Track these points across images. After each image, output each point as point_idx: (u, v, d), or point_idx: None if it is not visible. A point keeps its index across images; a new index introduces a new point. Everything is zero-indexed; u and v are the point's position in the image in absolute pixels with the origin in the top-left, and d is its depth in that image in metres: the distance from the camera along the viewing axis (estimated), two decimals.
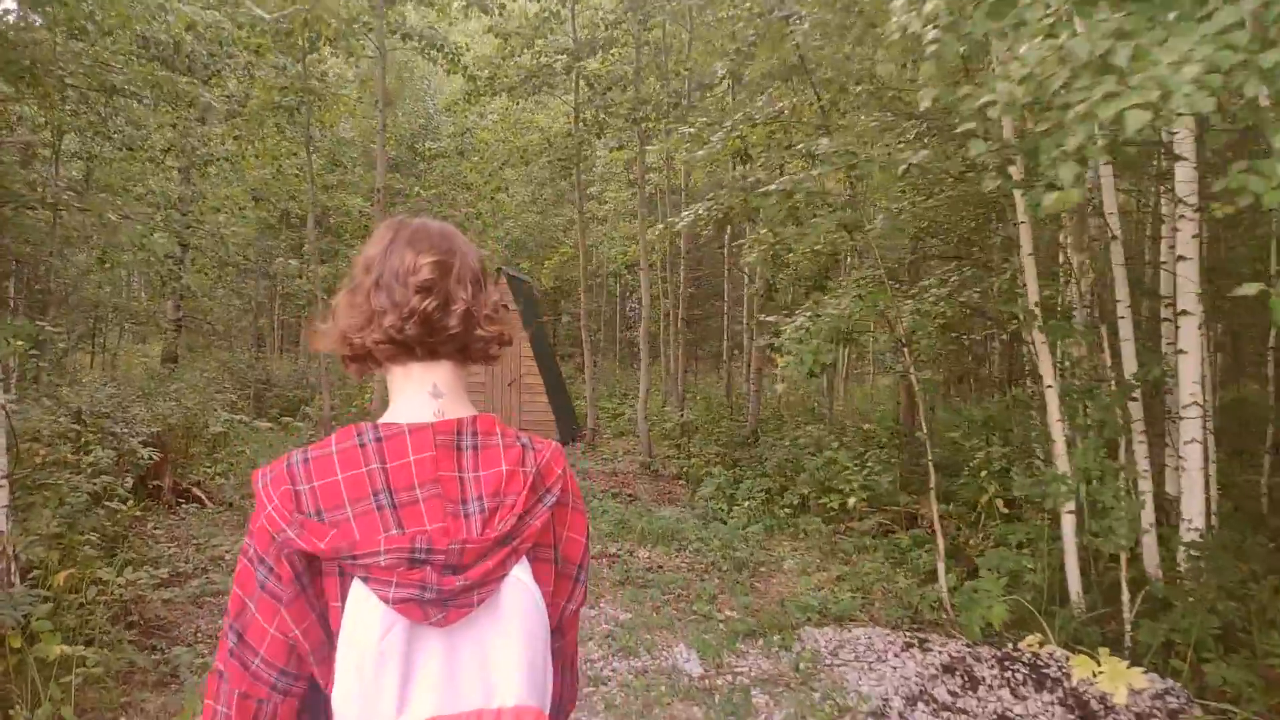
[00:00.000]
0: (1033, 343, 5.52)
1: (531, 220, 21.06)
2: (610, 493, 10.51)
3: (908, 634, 5.20)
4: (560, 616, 1.29)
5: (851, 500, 7.36)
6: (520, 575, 1.16)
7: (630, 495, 10.52)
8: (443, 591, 1.07)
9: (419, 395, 1.25)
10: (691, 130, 7.68)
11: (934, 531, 5.49)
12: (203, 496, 8.77)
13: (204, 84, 15.56)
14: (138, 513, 7.19)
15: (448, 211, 17.32)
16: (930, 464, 5.65)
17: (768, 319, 9.26)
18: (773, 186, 5.76)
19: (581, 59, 11.58)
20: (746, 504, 9.10)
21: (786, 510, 8.84)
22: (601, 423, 18.36)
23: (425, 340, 1.23)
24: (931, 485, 5.36)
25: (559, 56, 12.31)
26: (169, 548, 6.40)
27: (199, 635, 5.08)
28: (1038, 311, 5.30)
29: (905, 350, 6.16)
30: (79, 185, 14.56)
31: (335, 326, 1.27)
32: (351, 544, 1.08)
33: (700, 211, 6.72)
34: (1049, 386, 5.27)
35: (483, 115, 16.68)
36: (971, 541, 6.73)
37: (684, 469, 11.54)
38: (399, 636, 1.08)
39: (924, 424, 5.90)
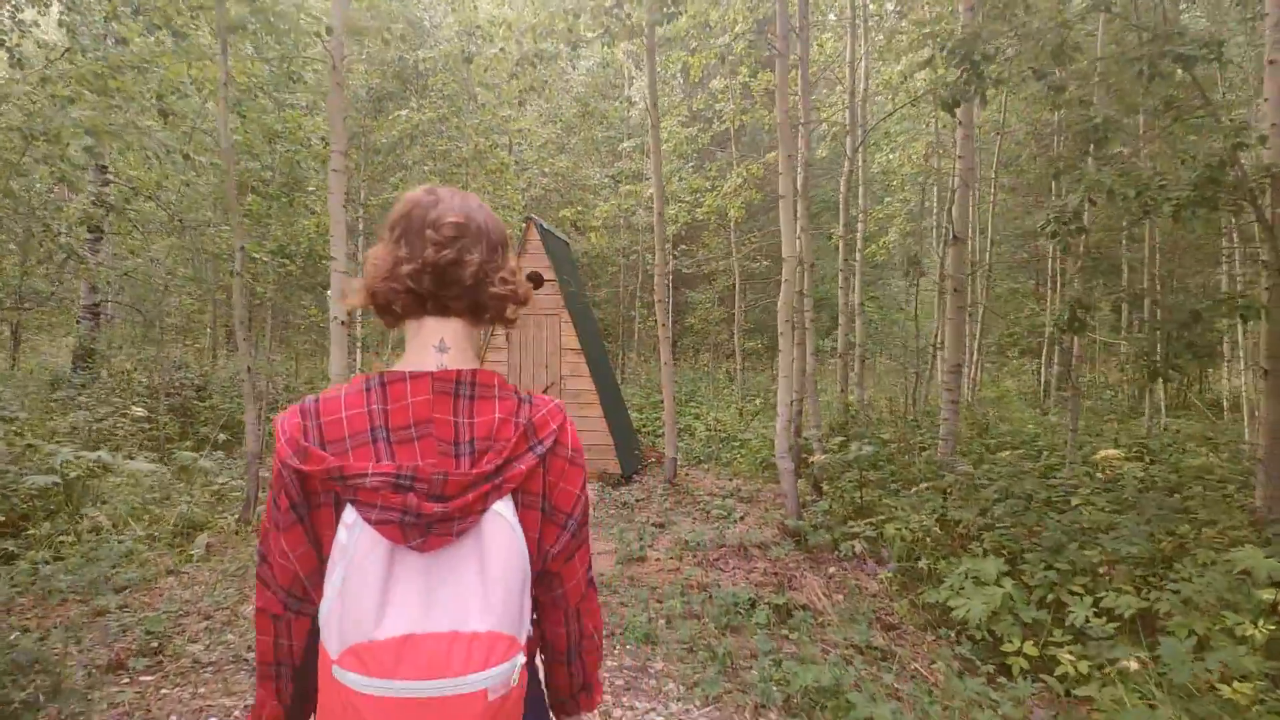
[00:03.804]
0: None
1: (560, 168, 15.96)
2: (769, 603, 5.52)
3: None
4: (545, 560, 1.32)
5: None
6: (502, 511, 1.19)
7: (809, 609, 5.53)
8: (422, 516, 1.13)
9: (426, 348, 1.29)
10: None
11: None
12: None
13: None
14: None
15: (448, 144, 12.27)
16: None
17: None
18: None
19: None
20: (1113, 652, 4.13)
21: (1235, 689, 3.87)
22: (660, 443, 13.35)
23: (438, 293, 1.27)
24: None
25: None
26: None
27: None
28: None
29: None
30: None
31: (363, 280, 1.31)
32: (343, 467, 1.16)
33: None
34: None
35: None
36: None
37: (881, 544, 6.56)
38: (380, 556, 1.12)
39: None
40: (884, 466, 7.95)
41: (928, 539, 6.27)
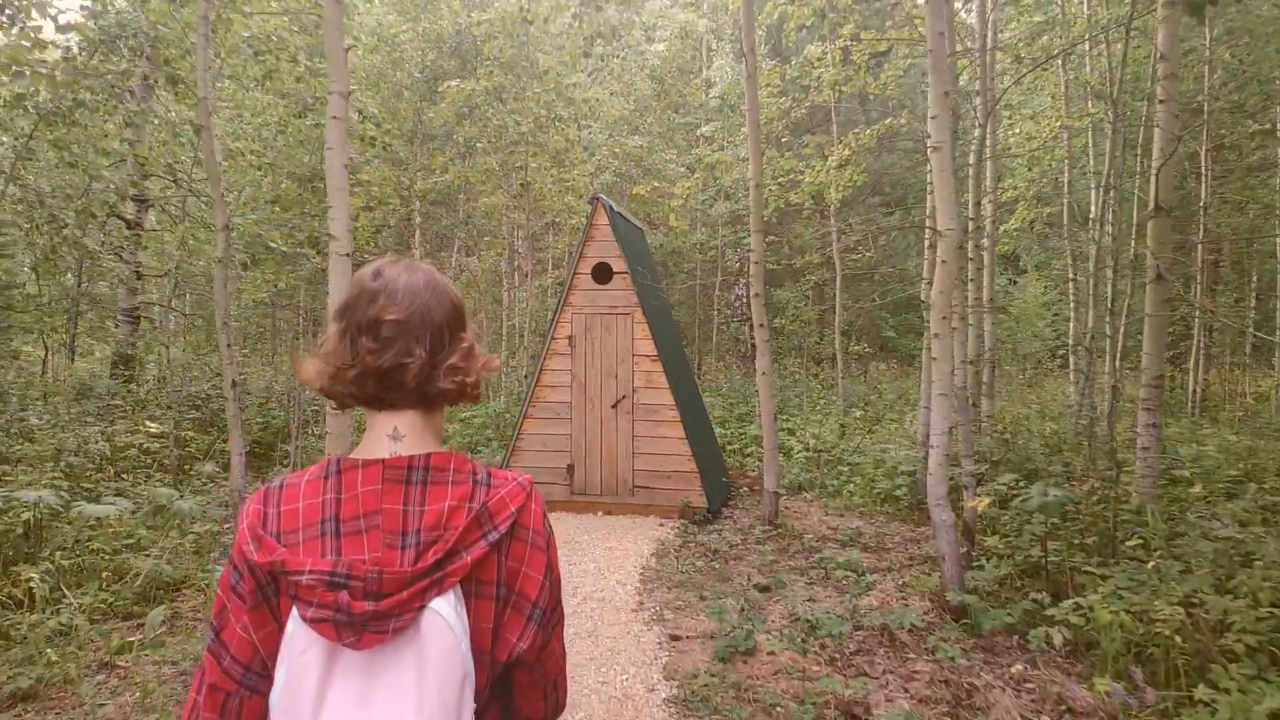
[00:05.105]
0: None
1: (632, 150, 14.13)
2: None
3: None
4: (511, 652, 1.24)
5: None
6: (440, 609, 1.14)
7: None
8: (354, 615, 1.09)
9: (381, 437, 1.27)
10: None
11: None
12: None
13: None
14: None
15: (505, 118, 10.60)
16: None
17: None
18: None
19: None
20: None
21: None
22: (749, 464, 11.45)
23: (382, 396, 1.26)
24: None
25: None
26: None
27: None
28: None
29: None
30: None
31: (316, 367, 1.29)
32: (285, 562, 1.13)
33: None
34: None
35: None
36: None
37: (1099, 636, 4.58)
38: (318, 653, 1.11)
39: None
40: (1075, 516, 5.92)
41: (1175, 635, 4.27)
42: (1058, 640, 4.74)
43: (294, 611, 1.13)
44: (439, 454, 1.25)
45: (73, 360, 16.81)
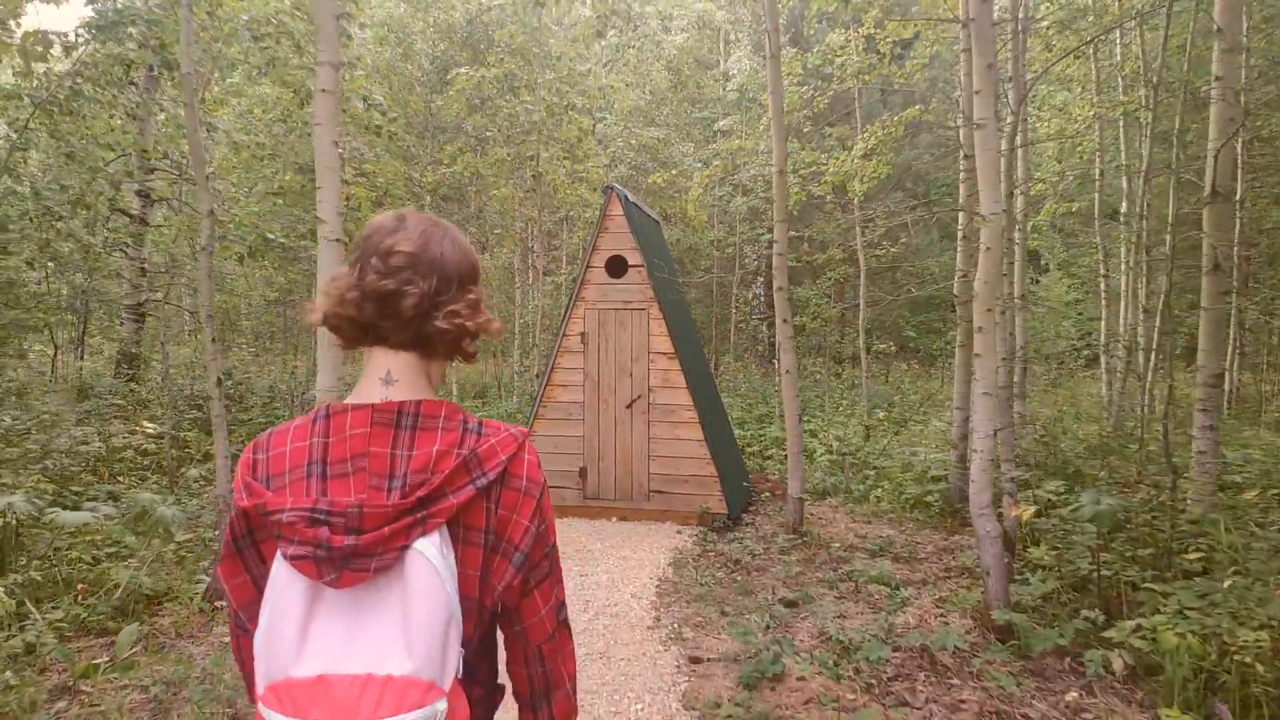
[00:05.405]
0: None
1: (647, 141, 13.70)
2: None
3: None
4: (495, 599, 1.23)
5: None
6: (425, 550, 1.10)
7: None
8: (334, 550, 1.06)
9: (374, 380, 1.26)
10: None
11: None
12: None
13: None
14: None
15: (516, 106, 10.19)
16: None
17: None
18: None
19: None
20: None
21: None
22: (769, 467, 11.00)
23: (378, 324, 1.23)
24: None
25: None
26: None
27: None
28: None
29: None
30: None
31: (322, 299, 1.28)
32: (267, 503, 1.12)
33: None
34: None
35: None
36: None
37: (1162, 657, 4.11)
38: (299, 592, 1.08)
39: None
40: (1127, 526, 5.45)
41: (1256, 663, 3.81)
42: (1118, 665, 4.28)
43: (278, 553, 1.10)
44: (431, 401, 1.23)
45: (81, 359, 16.56)
